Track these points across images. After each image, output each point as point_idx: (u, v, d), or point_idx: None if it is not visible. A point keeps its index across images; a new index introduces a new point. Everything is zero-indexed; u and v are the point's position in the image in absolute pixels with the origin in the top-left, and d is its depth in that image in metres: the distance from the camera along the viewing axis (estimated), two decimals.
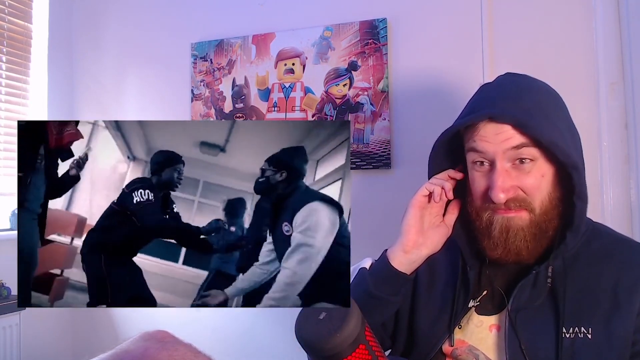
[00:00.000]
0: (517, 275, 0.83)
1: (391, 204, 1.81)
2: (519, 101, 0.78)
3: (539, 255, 0.80)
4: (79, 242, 1.52)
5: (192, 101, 2.10)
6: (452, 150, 0.87)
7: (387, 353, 0.95)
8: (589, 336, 0.75)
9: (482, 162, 0.80)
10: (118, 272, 1.38)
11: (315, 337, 0.63)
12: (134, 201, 1.40)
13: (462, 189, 0.88)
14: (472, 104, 0.85)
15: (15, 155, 2.14)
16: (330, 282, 1.15)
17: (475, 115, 0.79)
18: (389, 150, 1.78)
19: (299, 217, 1.15)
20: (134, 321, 2.19)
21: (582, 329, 0.75)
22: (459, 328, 0.86)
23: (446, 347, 0.86)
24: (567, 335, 0.76)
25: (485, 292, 0.86)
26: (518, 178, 0.77)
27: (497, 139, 0.76)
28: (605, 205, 1.53)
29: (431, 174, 0.90)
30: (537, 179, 0.77)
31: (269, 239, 1.33)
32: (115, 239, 1.39)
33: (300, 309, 0.71)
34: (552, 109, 0.80)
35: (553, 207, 0.79)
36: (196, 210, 2.97)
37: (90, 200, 2.80)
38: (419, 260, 0.88)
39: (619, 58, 1.54)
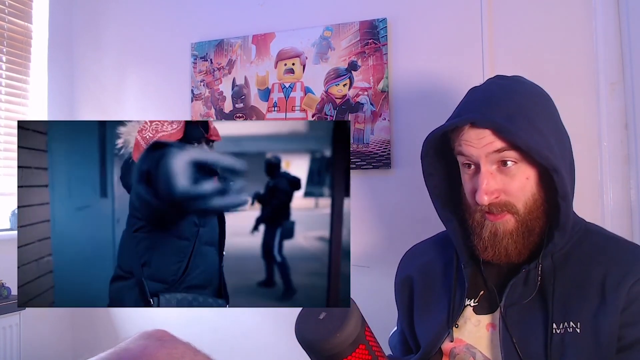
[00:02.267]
0: (509, 273, 0.85)
1: (391, 204, 1.81)
2: (501, 105, 0.81)
3: (528, 253, 0.83)
4: None
5: (192, 101, 2.10)
6: (444, 150, 0.89)
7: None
8: (578, 330, 0.76)
9: (469, 165, 0.83)
10: None
11: (315, 337, 0.63)
12: None
13: (458, 185, 0.89)
14: (459, 107, 0.88)
15: (15, 155, 2.14)
16: None
17: (459, 119, 0.82)
18: (389, 150, 1.78)
19: None
20: (133, 321, 2.19)
21: (571, 323, 0.77)
22: (456, 327, 0.87)
23: (444, 346, 0.87)
24: (557, 331, 0.77)
25: (482, 292, 0.88)
26: (503, 181, 0.80)
27: (480, 143, 0.79)
28: (605, 205, 1.53)
29: (425, 174, 0.92)
30: (522, 182, 0.80)
31: None
32: None
33: (300, 308, 0.71)
34: (536, 111, 0.81)
35: (537, 207, 0.81)
36: None
37: None
38: None
39: (619, 58, 1.54)
